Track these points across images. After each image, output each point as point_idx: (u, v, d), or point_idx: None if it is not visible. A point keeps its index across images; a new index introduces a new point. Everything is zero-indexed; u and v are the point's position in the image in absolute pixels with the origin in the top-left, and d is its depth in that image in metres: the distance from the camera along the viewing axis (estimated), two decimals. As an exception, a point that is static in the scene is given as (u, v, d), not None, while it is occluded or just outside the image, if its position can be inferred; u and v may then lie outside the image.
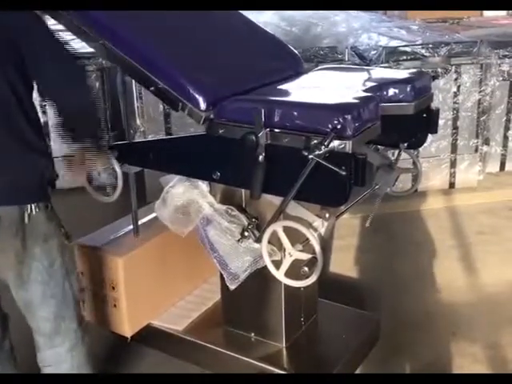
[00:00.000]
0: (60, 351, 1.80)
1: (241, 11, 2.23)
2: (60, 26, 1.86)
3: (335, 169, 1.55)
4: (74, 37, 1.89)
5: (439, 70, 3.61)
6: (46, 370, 1.82)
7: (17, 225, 1.63)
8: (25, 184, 1.64)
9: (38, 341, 1.81)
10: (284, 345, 2.14)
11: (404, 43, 3.64)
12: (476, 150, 3.85)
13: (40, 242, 1.67)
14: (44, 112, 3.05)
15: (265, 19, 3.74)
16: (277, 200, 1.74)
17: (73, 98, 1.70)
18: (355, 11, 4.07)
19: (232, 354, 2.14)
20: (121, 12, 1.86)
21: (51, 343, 1.79)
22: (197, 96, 1.76)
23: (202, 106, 1.76)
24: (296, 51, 2.17)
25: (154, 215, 2.20)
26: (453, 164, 3.83)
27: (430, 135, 2.14)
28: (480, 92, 3.72)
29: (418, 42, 3.63)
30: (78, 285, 1.83)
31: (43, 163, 1.68)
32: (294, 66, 2.11)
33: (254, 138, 1.65)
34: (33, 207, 1.64)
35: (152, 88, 1.86)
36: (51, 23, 1.74)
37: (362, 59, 3.59)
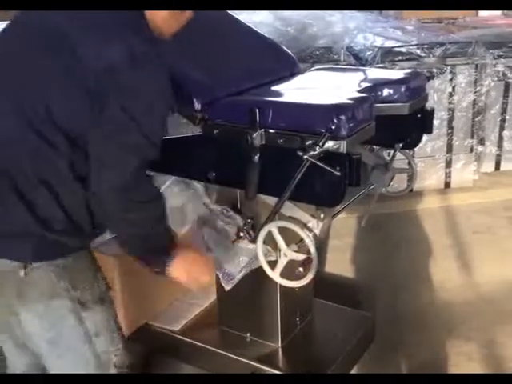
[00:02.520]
0: None
1: (235, 11, 2.23)
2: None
3: (330, 169, 1.56)
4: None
5: (434, 70, 3.61)
6: None
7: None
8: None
9: None
10: (279, 345, 2.14)
11: (399, 43, 3.64)
12: (471, 150, 3.85)
13: (44, 300, 1.52)
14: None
15: (260, 19, 3.74)
16: (272, 200, 1.74)
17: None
18: (351, 11, 4.07)
19: (227, 354, 2.14)
20: None
21: None
22: (191, 97, 1.76)
23: (197, 106, 1.76)
24: (291, 52, 2.17)
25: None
26: (448, 164, 3.84)
27: (425, 135, 2.14)
28: (475, 92, 3.72)
29: (413, 43, 3.63)
30: (116, 348, 1.65)
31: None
32: (289, 67, 2.11)
33: (248, 138, 1.65)
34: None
35: None
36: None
37: (358, 59, 3.59)
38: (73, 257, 1.52)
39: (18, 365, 1.78)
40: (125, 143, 1.41)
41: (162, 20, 1.51)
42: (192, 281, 1.65)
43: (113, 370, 1.66)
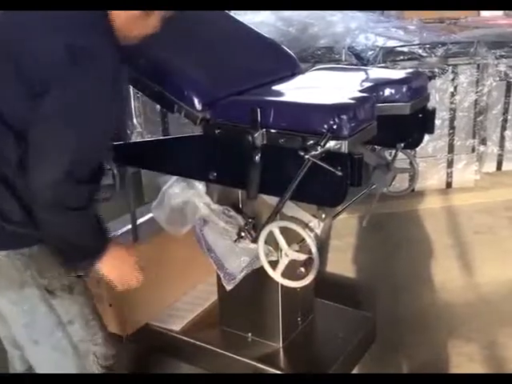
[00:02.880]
0: None
1: (237, 11, 2.24)
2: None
3: (331, 169, 1.56)
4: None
5: (436, 70, 3.61)
6: None
7: None
8: None
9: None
10: (281, 345, 2.14)
11: (401, 43, 3.63)
12: (473, 150, 3.85)
13: (15, 288, 1.56)
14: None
15: (261, 19, 3.74)
16: (273, 200, 1.74)
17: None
18: (352, 11, 4.07)
19: (229, 354, 2.14)
20: None
21: None
22: (192, 97, 1.76)
23: (198, 106, 1.76)
24: (292, 52, 2.17)
25: (150, 215, 2.20)
26: (450, 164, 3.83)
27: (426, 135, 2.14)
28: (477, 92, 3.72)
29: (415, 43, 3.63)
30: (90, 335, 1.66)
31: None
32: (291, 67, 2.10)
33: (250, 138, 1.65)
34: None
35: (147, 92, 1.86)
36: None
37: (359, 59, 3.59)
38: (39, 246, 1.54)
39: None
40: (59, 141, 1.40)
41: (121, 22, 1.47)
42: (119, 280, 1.66)
43: (93, 360, 1.68)
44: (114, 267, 1.62)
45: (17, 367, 1.84)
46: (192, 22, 2.02)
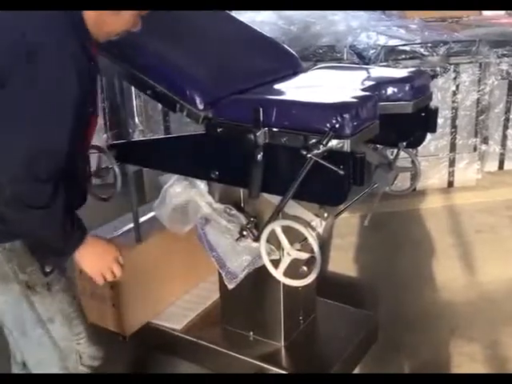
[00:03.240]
0: None
1: (239, 11, 2.24)
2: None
3: (334, 168, 1.55)
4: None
5: (438, 69, 3.61)
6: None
7: None
8: None
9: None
10: (283, 344, 2.14)
11: (403, 42, 3.63)
12: (475, 149, 3.84)
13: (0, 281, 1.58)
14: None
15: (263, 18, 3.74)
16: (275, 199, 1.74)
17: None
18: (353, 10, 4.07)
19: (231, 353, 2.14)
20: None
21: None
22: (194, 96, 1.76)
23: (200, 105, 1.76)
24: (294, 52, 2.17)
25: (152, 214, 2.20)
26: (452, 163, 3.83)
27: (429, 134, 2.14)
28: (479, 91, 3.72)
29: (416, 41, 3.63)
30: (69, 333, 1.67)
31: None
32: (292, 66, 2.11)
33: (252, 136, 1.65)
34: None
35: (149, 92, 1.86)
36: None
37: (361, 58, 3.59)
38: (20, 240, 1.55)
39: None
40: (11, 137, 1.39)
41: (92, 20, 1.47)
42: (97, 274, 1.65)
43: (75, 358, 1.69)
44: (92, 261, 1.62)
45: (17, 358, 1.85)
46: (193, 22, 2.02)
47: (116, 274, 1.66)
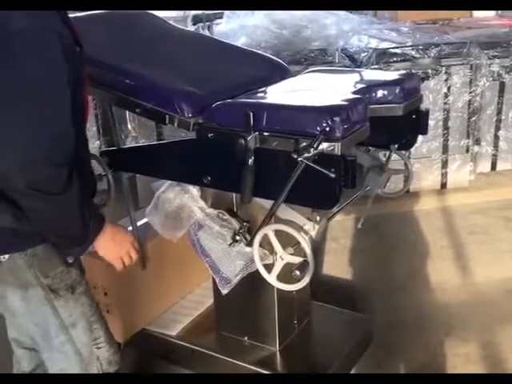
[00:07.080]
0: None
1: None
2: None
3: (325, 171, 1.55)
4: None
5: (429, 71, 3.62)
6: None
7: None
8: None
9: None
10: (277, 348, 2.14)
11: (394, 45, 3.65)
12: (467, 151, 3.86)
13: (22, 287, 1.58)
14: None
15: (255, 22, 3.74)
16: (267, 203, 1.74)
17: None
18: (345, 14, 4.07)
19: (225, 358, 2.13)
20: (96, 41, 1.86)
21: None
22: (182, 105, 1.76)
23: (189, 112, 1.76)
24: (282, 62, 2.17)
25: (145, 220, 2.20)
26: (444, 164, 3.84)
27: (421, 136, 2.14)
28: (470, 92, 3.73)
29: (408, 44, 3.64)
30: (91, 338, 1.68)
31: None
32: (281, 74, 2.10)
33: (243, 141, 1.65)
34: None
35: (138, 110, 1.86)
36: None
37: (353, 61, 3.59)
38: (42, 245, 1.55)
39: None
40: (15, 120, 1.36)
41: None
42: (117, 260, 1.68)
43: (96, 363, 1.69)
44: (111, 247, 1.64)
45: (24, 367, 1.84)
46: (172, 41, 2.06)
47: (133, 259, 1.71)
